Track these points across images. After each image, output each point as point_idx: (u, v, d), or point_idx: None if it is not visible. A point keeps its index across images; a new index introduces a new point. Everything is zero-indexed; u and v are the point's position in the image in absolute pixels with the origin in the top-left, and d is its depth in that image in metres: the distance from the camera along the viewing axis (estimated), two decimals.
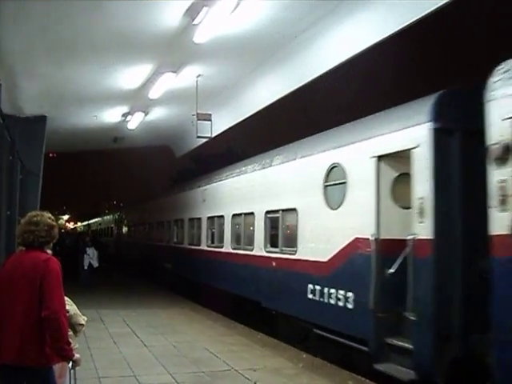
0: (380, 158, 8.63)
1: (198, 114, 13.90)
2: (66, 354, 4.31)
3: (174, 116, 16.98)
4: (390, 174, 8.68)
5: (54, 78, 12.51)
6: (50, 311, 4.18)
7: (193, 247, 18.81)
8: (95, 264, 21.88)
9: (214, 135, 15.05)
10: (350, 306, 9.04)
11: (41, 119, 14.61)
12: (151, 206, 27.60)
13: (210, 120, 14.30)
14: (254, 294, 13.19)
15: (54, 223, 4.66)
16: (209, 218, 17.16)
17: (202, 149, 22.66)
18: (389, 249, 8.32)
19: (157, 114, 16.35)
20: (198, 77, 12.64)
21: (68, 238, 29.86)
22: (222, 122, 15.74)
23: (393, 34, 9.11)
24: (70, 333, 5.41)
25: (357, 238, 8.92)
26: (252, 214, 13.57)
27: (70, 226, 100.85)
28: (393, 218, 8.59)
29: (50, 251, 4.66)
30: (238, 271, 14.30)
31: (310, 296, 10.30)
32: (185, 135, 18.62)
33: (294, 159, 11.66)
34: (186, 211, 19.99)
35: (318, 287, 10.07)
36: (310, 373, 9.01)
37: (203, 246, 17.61)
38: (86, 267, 21.49)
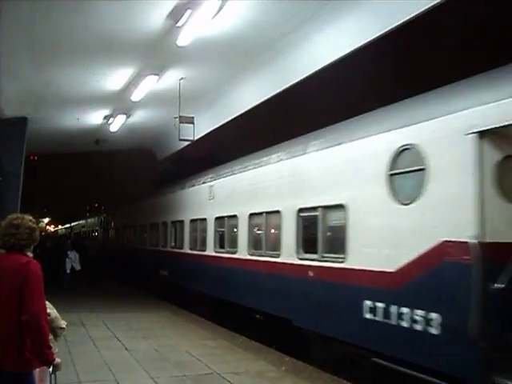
0: (482, 134, 6.52)
1: (180, 116, 13.90)
2: (46, 359, 4.26)
3: (156, 119, 16.95)
4: (494, 156, 6.66)
5: (36, 80, 12.41)
6: (30, 315, 4.13)
7: (195, 252, 16.38)
8: (77, 267, 21.70)
9: (196, 138, 15.06)
10: (433, 330, 6.91)
11: (21, 121, 14.47)
12: (143, 207, 25.14)
13: (193, 123, 14.31)
14: (281, 310, 10.85)
15: (35, 226, 4.62)
16: (217, 218, 14.72)
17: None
18: (495, 256, 6.34)
19: (139, 116, 16.31)
20: (180, 79, 12.63)
21: (49, 241, 29.58)
22: (204, 124, 15.75)
23: (376, 38, 9.19)
24: (51, 337, 5.36)
25: (445, 242, 6.86)
26: (278, 212, 11.27)
27: (51, 228, 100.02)
28: (499, 215, 6.60)
29: (30, 254, 4.61)
30: (258, 281, 12.00)
31: (368, 315, 8.10)
32: (167, 138, 18.58)
33: (340, 144, 9.37)
34: (187, 212, 17.59)
35: (380, 305, 7.89)
36: (292, 376, 9.00)
37: (209, 252, 15.17)
38: (68, 271, 21.28)
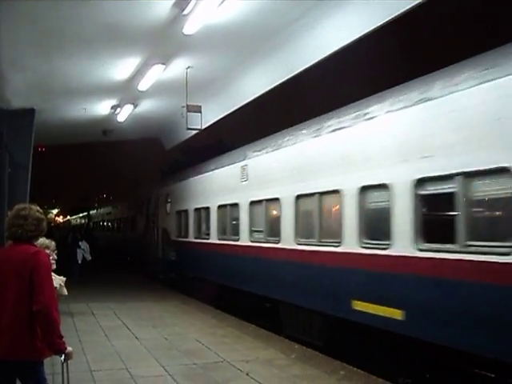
0: None
1: (187, 105, 13.86)
2: (58, 348, 4.28)
3: (163, 108, 16.90)
4: None
5: (42, 70, 12.39)
6: (41, 305, 4.15)
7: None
8: (88, 257, 21.87)
9: (204, 127, 15.02)
10: None
11: (29, 112, 14.50)
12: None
13: (200, 112, 14.26)
14: None
15: (43, 216, 4.62)
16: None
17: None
18: None
19: (146, 106, 16.27)
20: (187, 68, 12.58)
21: (59, 232, 29.72)
22: (212, 113, 15.70)
23: (383, 24, 9.09)
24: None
25: None
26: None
27: (60, 219, 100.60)
28: None
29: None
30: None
31: None
32: (175, 127, 18.55)
33: None
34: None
35: None
36: (302, 363, 9.02)
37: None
38: (79, 261, 21.42)
